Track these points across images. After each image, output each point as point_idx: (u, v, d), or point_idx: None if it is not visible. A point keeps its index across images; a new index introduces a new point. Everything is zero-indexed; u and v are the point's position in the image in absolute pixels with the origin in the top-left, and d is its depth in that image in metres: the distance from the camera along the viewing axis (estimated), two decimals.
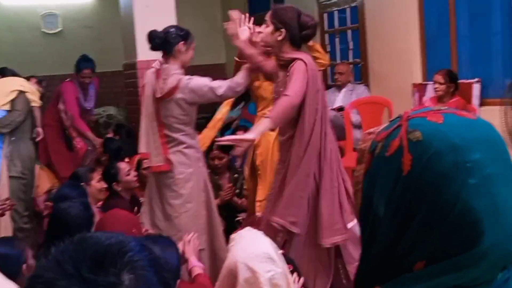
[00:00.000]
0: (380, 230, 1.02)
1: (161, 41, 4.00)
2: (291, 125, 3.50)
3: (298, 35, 3.51)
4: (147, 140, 4.10)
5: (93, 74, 6.48)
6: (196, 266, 2.82)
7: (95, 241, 0.94)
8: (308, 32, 3.54)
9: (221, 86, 3.86)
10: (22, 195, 4.86)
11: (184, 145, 4.04)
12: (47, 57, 9.68)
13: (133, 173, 4.62)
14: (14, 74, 5.32)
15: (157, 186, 4.16)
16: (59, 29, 9.87)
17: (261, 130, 3.40)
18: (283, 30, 3.49)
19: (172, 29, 4.05)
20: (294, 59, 3.47)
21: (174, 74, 3.94)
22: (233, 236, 2.10)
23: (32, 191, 5.07)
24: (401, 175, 0.97)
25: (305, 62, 3.43)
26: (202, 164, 4.21)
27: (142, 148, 4.12)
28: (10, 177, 4.78)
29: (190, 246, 2.85)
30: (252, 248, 1.97)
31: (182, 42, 3.96)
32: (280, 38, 3.49)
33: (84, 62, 6.37)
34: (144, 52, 5.04)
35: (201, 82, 3.91)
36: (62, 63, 9.74)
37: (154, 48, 4.07)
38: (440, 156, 0.95)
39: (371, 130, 1.10)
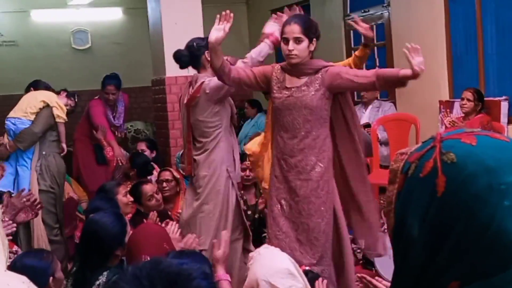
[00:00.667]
0: (413, 250, 1.03)
1: (187, 58, 4.12)
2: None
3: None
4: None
5: (117, 90, 6.45)
6: (223, 279, 2.83)
7: (169, 264, 1.11)
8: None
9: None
10: (52, 208, 4.93)
11: (209, 150, 4.13)
12: (76, 72, 9.85)
13: (156, 197, 4.64)
14: (47, 87, 5.40)
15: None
16: (89, 45, 10.05)
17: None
18: (314, 40, 3.57)
19: (194, 42, 4.15)
20: (325, 66, 3.63)
21: (206, 78, 4.07)
22: (251, 254, 2.12)
23: (62, 204, 5.14)
24: (435, 196, 0.98)
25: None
26: (227, 168, 4.20)
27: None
28: (40, 190, 4.85)
29: (220, 253, 2.85)
30: (272, 265, 1.99)
31: (207, 51, 4.02)
32: (312, 48, 3.58)
33: (108, 79, 6.42)
34: (173, 68, 5.11)
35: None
36: (91, 78, 9.87)
37: (183, 66, 4.20)
38: (474, 178, 0.96)
39: (403, 150, 1.11)
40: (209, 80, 4.01)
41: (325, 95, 3.60)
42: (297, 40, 3.53)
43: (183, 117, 4.32)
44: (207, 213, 4.13)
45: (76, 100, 5.53)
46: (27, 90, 5.39)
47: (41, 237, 4.72)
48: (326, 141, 3.62)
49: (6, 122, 4.96)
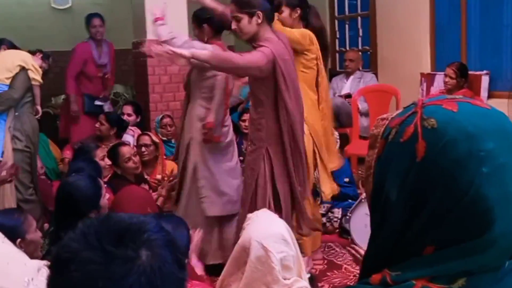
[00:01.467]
0: (391, 215, 1.03)
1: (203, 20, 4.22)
2: None
3: (270, 10, 3.57)
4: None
5: (103, 25, 6.81)
6: (198, 266, 2.82)
7: (119, 219, 1.05)
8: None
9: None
10: (27, 167, 4.89)
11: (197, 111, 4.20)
12: (55, 32, 9.67)
13: (134, 159, 4.62)
14: (13, 45, 5.28)
15: None
16: (69, 5, 9.86)
17: (198, 54, 3.35)
18: (259, 12, 3.47)
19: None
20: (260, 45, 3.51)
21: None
22: (249, 215, 2.13)
23: (36, 163, 5.11)
24: (415, 161, 0.99)
25: None
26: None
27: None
28: (14, 149, 4.81)
29: (193, 242, 2.85)
30: (267, 228, 2.00)
31: (206, 24, 4.17)
32: (259, 21, 3.46)
33: (92, 15, 6.77)
34: (154, 31, 5.04)
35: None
36: (71, 39, 9.70)
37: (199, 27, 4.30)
38: (454, 143, 0.96)
39: (384, 116, 1.11)
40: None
41: None
42: (236, 19, 3.48)
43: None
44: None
45: (50, 62, 5.45)
46: None
47: (10, 197, 4.68)
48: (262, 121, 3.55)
49: None
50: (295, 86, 3.52)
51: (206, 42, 4.08)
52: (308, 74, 4.03)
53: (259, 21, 3.45)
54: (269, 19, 3.51)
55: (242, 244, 2.00)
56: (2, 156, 4.71)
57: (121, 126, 5.68)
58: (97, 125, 5.64)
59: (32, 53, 5.22)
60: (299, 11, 4.12)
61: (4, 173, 3.50)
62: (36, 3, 9.68)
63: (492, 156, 0.96)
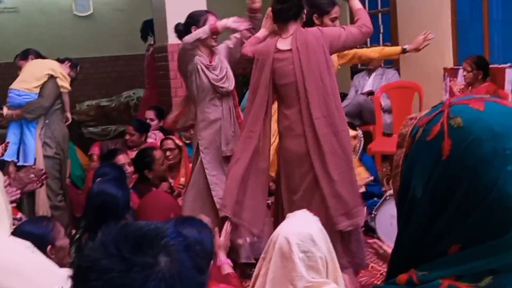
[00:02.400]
0: (416, 212, 1.04)
1: (182, 32, 4.16)
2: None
3: (275, 13, 3.73)
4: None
5: None
6: (225, 264, 2.83)
7: (137, 227, 1.06)
8: (279, 7, 3.68)
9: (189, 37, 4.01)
10: (57, 174, 4.97)
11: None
12: (78, 39, 9.79)
13: (166, 163, 4.70)
14: (39, 55, 5.35)
15: None
16: (90, 12, 9.96)
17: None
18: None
19: (187, 18, 4.17)
20: None
21: None
22: (288, 214, 2.16)
23: (66, 170, 5.19)
24: (440, 159, 1.00)
25: None
26: (197, 142, 4.17)
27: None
28: (45, 156, 4.90)
29: (222, 240, 2.86)
30: (297, 226, 2.02)
31: (193, 27, 4.03)
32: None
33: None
34: (175, 35, 5.07)
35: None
36: (93, 46, 9.85)
37: (180, 38, 4.26)
38: (479, 142, 0.97)
39: (413, 115, 1.14)
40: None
41: None
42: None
43: None
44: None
45: (78, 70, 5.52)
46: (24, 57, 5.31)
47: (43, 204, 4.77)
48: None
49: (9, 93, 4.95)
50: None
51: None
52: None
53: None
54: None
55: (271, 238, 2.03)
56: (34, 163, 4.79)
57: (148, 130, 5.77)
58: (127, 137, 5.70)
59: (61, 61, 5.29)
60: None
61: (32, 176, 3.54)
62: (58, 11, 9.80)
63: None
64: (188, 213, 3.74)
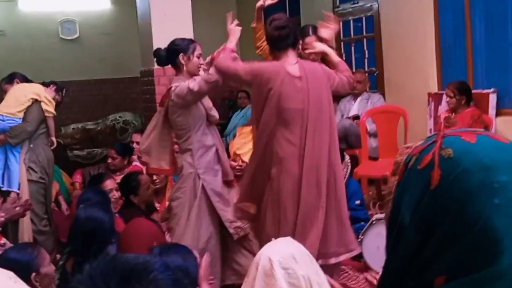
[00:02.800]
0: (404, 240, 1.06)
1: (164, 58, 4.11)
2: None
3: (270, 38, 3.64)
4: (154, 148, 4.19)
5: None
6: None
7: (124, 260, 1.05)
8: (270, 27, 3.62)
9: (195, 81, 3.87)
10: (41, 198, 4.94)
11: (183, 150, 4.07)
12: (64, 63, 9.79)
13: (152, 187, 4.67)
14: (25, 79, 5.33)
15: None
16: (77, 35, 9.98)
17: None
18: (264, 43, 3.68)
19: (173, 44, 4.12)
20: None
21: (174, 83, 4.02)
22: (273, 239, 2.18)
23: (51, 194, 5.15)
24: (429, 188, 1.01)
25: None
26: (196, 171, 4.03)
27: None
28: (29, 181, 4.86)
29: (204, 270, 2.84)
30: (280, 246, 2.04)
31: (181, 54, 4.02)
32: (260, 52, 3.60)
33: None
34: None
35: (184, 85, 3.91)
36: (80, 69, 9.86)
37: (160, 64, 4.26)
38: (468, 174, 0.99)
39: (409, 144, 1.16)
40: (175, 87, 3.95)
41: None
42: None
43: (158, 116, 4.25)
44: (173, 218, 4.04)
45: (63, 94, 5.49)
46: (9, 81, 5.26)
47: (27, 229, 4.72)
48: None
49: None
50: None
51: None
52: None
53: (260, 52, 3.75)
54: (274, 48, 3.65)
55: (254, 260, 2.04)
56: (19, 189, 4.76)
57: (131, 153, 5.74)
58: (109, 160, 5.68)
59: (46, 85, 5.26)
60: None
61: (18, 208, 3.53)
62: (44, 34, 9.80)
63: (506, 189, 0.98)
64: (188, 241, 3.72)
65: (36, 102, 4.93)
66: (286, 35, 3.59)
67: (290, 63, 3.57)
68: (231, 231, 4.01)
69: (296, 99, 3.50)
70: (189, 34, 5.87)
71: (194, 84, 3.83)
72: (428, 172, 1.02)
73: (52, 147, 5.16)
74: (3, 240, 3.64)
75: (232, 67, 3.62)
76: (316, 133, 3.50)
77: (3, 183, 4.80)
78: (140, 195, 4.59)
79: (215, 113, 4.11)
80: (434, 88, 6.58)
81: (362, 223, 4.81)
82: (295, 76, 3.53)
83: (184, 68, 4.02)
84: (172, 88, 3.96)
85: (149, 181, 4.71)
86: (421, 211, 1.02)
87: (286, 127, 3.52)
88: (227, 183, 4.11)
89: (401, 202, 1.07)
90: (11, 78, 5.29)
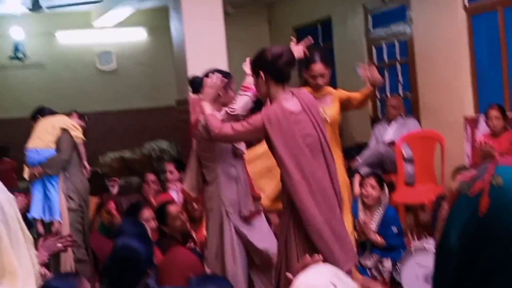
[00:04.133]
0: (450, 265, 1.07)
1: (199, 85, 4.12)
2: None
3: (276, 70, 3.48)
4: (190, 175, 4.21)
5: None
6: None
7: None
8: (281, 60, 3.48)
9: (231, 127, 3.72)
10: (79, 226, 5.02)
11: (209, 181, 4.03)
12: (102, 93, 10.00)
13: (181, 218, 4.65)
14: (52, 112, 5.44)
15: None
16: (114, 66, 10.19)
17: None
18: (261, 72, 3.49)
19: (210, 73, 4.14)
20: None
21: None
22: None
23: (88, 223, 5.23)
24: (476, 215, 1.03)
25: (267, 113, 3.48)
26: (223, 204, 3.99)
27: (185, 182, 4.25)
28: (69, 209, 4.95)
29: None
30: (316, 276, 1.99)
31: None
32: (263, 81, 3.49)
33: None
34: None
35: (217, 123, 3.86)
36: (117, 99, 10.06)
37: (195, 92, 4.27)
38: None
39: (464, 171, 1.17)
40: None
41: None
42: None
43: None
44: (209, 251, 4.04)
45: (86, 120, 5.61)
46: (34, 118, 5.40)
47: (69, 259, 4.80)
48: None
49: (27, 153, 5.04)
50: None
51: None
52: None
53: (262, 81, 3.50)
54: (277, 80, 3.52)
55: None
56: (60, 218, 4.85)
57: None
58: (167, 175, 5.78)
59: (67, 114, 5.40)
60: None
61: (59, 244, 3.59)
62: (82, 66, 10.04)
63: None
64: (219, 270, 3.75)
65: (64, 131, 5.05)
66: (291, 71, 3.58)
67: (284, 98, 3.50)
68: (268, 256, 3.94)
69: (310, 133, 3.50)
70: (223, 63, 5.96)
71: (228, 129, 3.70)
72: (478, 199, 1.04)
73: (86, 172, 5.26)
74: (43, 270, 3.71)
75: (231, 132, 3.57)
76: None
77: (44, 215, 4.90)
78: (169, 225, 4.59)
79: (241, 146, 4.09)
80: (470, 112, 6.51)
81: (401, 251, 4.75)
82: (297, 111, 3.49)
83: (219, 99, 4.07)
84: (202, 120, 3.98)
85: (179, 211, 4.71)
86: (468, 238, 1.04)
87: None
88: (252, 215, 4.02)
89: (450, 228, 1.09)
90: (35, 115, 5.41)
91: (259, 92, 3.60)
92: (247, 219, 3.96)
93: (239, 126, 3.51)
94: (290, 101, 3.51)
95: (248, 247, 3.97)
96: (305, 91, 3.75)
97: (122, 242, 3.24)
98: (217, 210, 3.98)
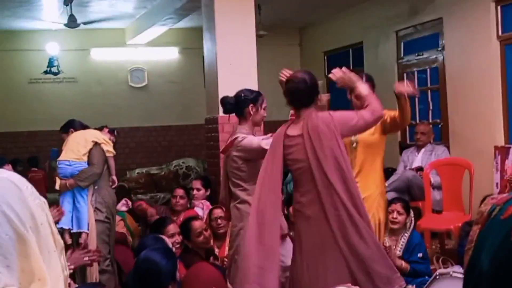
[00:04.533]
0: (481, 286, 1.05)
1: (232, 106, 4.20)
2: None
3: (307, 98, 3.63)
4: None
5: None
6: None
7: None
8: (315, 94, 3.65)
9: (268, 139, 3.91)
10: (106, 238, 5.07)
11: (238, 200, 4.10)
12: (132, 109, 10.14)
13: (205, 234, 4.69)
14: (83, 126, 5.53)
15: None
16: (145, 83, 10.33)
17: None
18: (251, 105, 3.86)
19: (242, 93, 4.21)
20: None
21: (238, 133, 4.09)
22: None
23: (114, 235, 5.28)
24: (509, 239, 1.02)
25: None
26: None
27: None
28: (96, 221, 5.02)
29: None
30: None
31: (251, 105, 4.13)
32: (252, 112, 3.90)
33: None
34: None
35: (253, 141, 3.99)
36: (147, 115, 10.18)
37: (226, 112, 4.34)
38: None
39: (495, 196, 1.17)
40: (242, 138, 4.03)
41: None
42: None
43: (224, 163, 4.36)
44: (239, 265, 4.01)
45: (116, 135, 5.71)
46: (65, 130, 5.49)
47: (95, 270, 4.84)
48: None
49: (59, 165, 5.14)
50: None
51: None
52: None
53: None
54: None
55: None
56: (88, 229, 4.92)
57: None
58: (194, 192, 5.83)
59: (98, 129, 5.50)
60: None
61: (86, 258, 3.64)
62: (114, 82, 10.20)
63: None
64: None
65: (96, 144, 5.14)
66: (299, 96, 3.65)
67: (296, 122, 3.62)
68: (282, 279, 3.90)
69: (300, 159, 3.55)
70: (253, 83, 6.00)
71: (266, 141, 3.86)
72: (510, 223, 1.03)
73: (113, 186, 5.34)
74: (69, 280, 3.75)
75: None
76: (341, 189, 3.49)
77: (72, 226, 4.96)
78: (192, 241, 4.63)
79: None
80: (501, 141, 6.44)
81: (426, 277, 4.69)
82: (295, 135, 3.58)
83: (250, 118, 4.11)
84: (239, 139, 4.03)
85: (202, 227, 4.74)
86: (500, 261, 1.03)
87: (298, 188, 3.61)
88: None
89: (481, 250, 1.08)
90: (67, 128, 5.49)
91: None
92: (283, 237, 3.98)
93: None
94: (296, 125, 3.61)
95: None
96: (325, 114, 3.67)
97: (144, 254, 3.27)
98: (238, 234, 4.02)
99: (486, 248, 1.07)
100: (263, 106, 4.18)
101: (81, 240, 4.90)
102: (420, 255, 4.83)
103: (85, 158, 5.08)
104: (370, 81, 4.39)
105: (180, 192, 5.91)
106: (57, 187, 5.12)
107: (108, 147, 5.21)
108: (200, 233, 4.66)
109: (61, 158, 5.16)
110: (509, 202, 1.07)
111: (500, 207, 1.08)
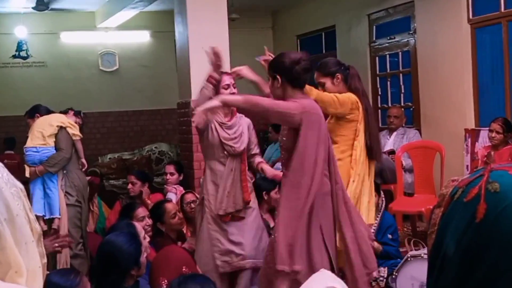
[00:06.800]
0: (447, 272, 1.06)
1: None
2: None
3: (293, 75, 3.50)
4: None
5: None
6: None
7: None
8: (299, 66, 3.50)
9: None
10: (77, 222, 5.05)
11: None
12: (103, 94, 10.01)
13: (179, 215, 4.70)
14: (49, 111, 5.46)
15: None
16: (116, 67, 10.21)
17: (228, 100, 3.60)
18: (278, 76, 3.51)
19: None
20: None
21: None
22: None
23: (87, 218, 5.25)
24: (473, 221, 1.02)
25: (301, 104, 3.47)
26: (203, 197, 4.34)
27: None
28: (67, 205, 4.98)
29: None
30: (317, 283, 1.98)
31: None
32: (279, 85, 3.52)
33: None
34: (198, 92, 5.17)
35: None
36: (118, 100, 10.06)
37: None
38: None
39: (455, 177, 1.17)
40: None
41: None
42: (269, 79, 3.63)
43: None
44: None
45: (82, 117, 5.65)
46: (31, 116, 5.41)
47: (64, 254, 4.80)
48: None
49: (26, 152, 5.06)
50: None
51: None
52: (344, 136, 4.20)
53: (278, 85, 3.52)
54: (294, 84, 3.54)
55: None
56: (59, 214, 4.88)
57: (151, 180, 5.85)
58: (129, 187, 5.77)
59: (64, 112, 5.43)
60: (339, 76, 4.22)
61: (56, 245, 3.60)
62: (85, 66, 10.06)
63: None
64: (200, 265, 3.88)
65: (62, 128, 5.08)
66: (308, 78, 3.62)
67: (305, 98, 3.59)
68: (218, 263, 4.15)
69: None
70: (226, 68, 5.95)
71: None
72: (473, 205, 1.03)
73: (83, 169, 5.30)
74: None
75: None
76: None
77: (45, 213, 4.91)
78: (166, 223, 4.62)
79: (236, 144, 4.20)
80: (471, 124, 6.51)
81: (398, 260, 4.74)
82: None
83: None
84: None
85: (176, 209, 4.73)
86: (465, 244, 1.03)
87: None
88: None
89: (445, 234, 1.08)
90: (32, 113, 5.42)
91: (273, 94, 3.62)
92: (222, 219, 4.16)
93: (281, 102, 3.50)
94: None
95: None
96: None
97: (107, 238, 3.26)
98: (201, 203, 4.29)
99: (450, 232, 1.07)
100: (222, 85, 4.24)
101: (54, 226, 4.86)
102: (390, 236, 4.88)
103: (52, 143, 5.02)
104: (328, 75, 4.32)
105: (170, 168, 5.93)
106: (27, 174, 5.05)
107: (74, 130, 5.16)
108: (174, 214, 4.67)
109: (27, 145, 5.09)
110: (471, 184, 1.07)
111: (463, 189, 1.08)
